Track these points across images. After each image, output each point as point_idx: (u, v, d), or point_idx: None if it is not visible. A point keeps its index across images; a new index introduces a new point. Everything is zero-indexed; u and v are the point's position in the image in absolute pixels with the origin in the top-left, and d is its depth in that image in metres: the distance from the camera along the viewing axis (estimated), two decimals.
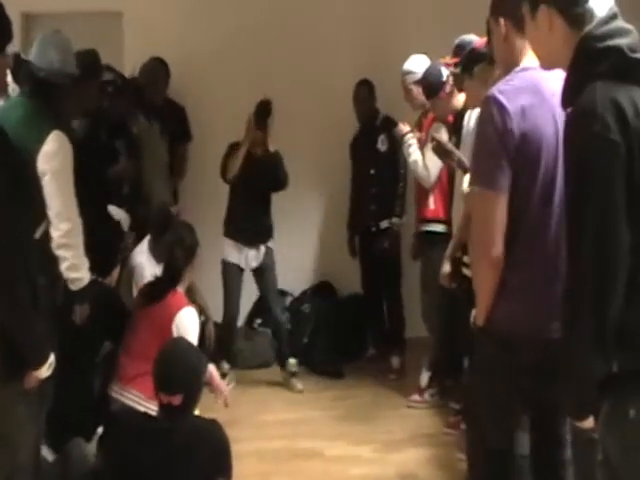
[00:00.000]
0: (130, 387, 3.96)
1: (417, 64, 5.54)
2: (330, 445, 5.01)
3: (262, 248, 5.94)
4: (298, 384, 5.98)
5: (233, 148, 5.80)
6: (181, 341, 3.63)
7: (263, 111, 5.73)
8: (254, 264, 5.95)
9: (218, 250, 5.85)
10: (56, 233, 3.65)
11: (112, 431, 3.52)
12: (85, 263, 3.89)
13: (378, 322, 6.53)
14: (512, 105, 2.67)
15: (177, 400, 3.18)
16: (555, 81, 2.56)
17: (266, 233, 5.97)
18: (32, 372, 2.85)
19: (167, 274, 4.28)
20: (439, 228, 5.31)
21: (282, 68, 6.64)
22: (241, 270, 5.95)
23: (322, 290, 6.80)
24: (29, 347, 2.81)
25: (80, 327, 3.92)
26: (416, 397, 5.62)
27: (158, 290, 4.20)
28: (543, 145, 2.69)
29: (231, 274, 5.92)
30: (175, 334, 3.93)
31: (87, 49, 4.59)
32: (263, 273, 5.99)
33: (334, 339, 6.43)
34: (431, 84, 5.14)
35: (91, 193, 4.56)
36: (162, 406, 3.25)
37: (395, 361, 6.28)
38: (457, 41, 4.66)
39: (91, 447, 3.91)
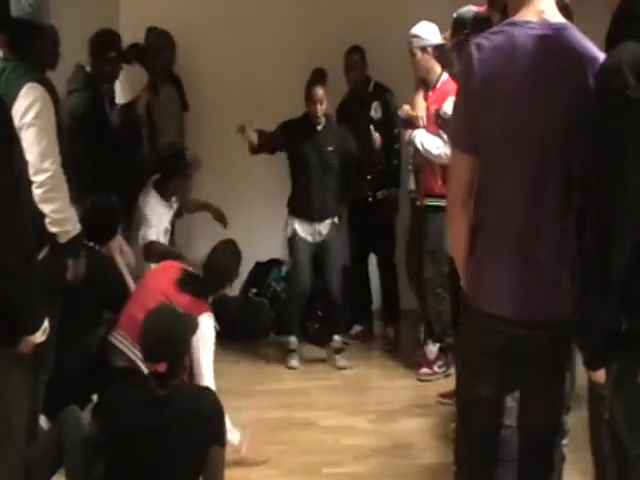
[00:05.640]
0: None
1: (424, 30, 5.39)
2: (325, 415, 5.03)
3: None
4: (342, 361, 5.89)
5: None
6: (163, 310, 3.63)
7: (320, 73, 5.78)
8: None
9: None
10: (34, 186, 3.51)
11: (107, 399, 3.51)
12: (71, 216, 3.75)
13: (362, 295, 6.49)
14: (482, 62, 2.66)
15: (162, 367, 3.22)
16: (539, 45, 2.60)
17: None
18: (26, 337, 2.84)
19: (208, 288, 4.35)
20: (443, 202, 5.27)
21: (277, 36, 6.55)
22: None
23: None
24: (23, 312, 2.80)
25: (77, 293, 3.90)
26: (426, 370, 5.62)
27: (197, 289, 4.26)
28: (504, 110, 2.66)
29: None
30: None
31: None
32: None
33: (329, 309, 6.43)
34: None
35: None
36: (150, 373, 3.31)
37: (390, 332, 6.28)
38: (455, 15, 4.58)
39: (85, 415, 3.91)
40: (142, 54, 5.80)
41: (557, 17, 2.69)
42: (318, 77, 5.77)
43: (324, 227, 5.87)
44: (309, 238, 5.86)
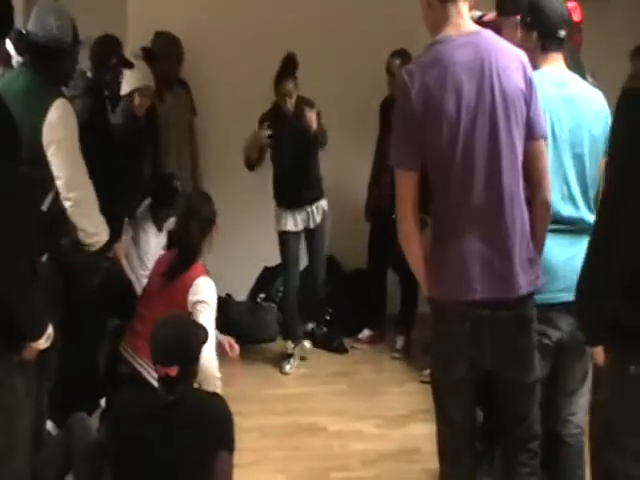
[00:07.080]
0: (142, 355, 3.91)
1: None
2: (333, 420, 5.02)
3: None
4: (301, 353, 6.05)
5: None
6: (176, 314, 3.62)
7: (291, 63, 5.66)
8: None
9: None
10: (67, 203, 3.66)
11: (115, 405, 3.52)
12: (103, 228, 3.91)
13: (378, 300, 6.47)
14: (416, 84, 2.83)
15: (173, 371, 3.19)
16: (462, 52, 2.82)
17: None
18: (30, 343, 2.84)
19: (183, 253, 4.05)
20: None
21: (285, 40, 6.53)
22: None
23: (327, 265, 6.74)
24: (27, 318, 2.80)
25: (82, 300, 3.91)
26: (429, 372, 5.59)
27: (176, 271, 4.01)
28: (444, 120, 2.81)
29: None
30: (190, 300, 3.88)
31: None
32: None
33: (338, 314, 6.43)
34: None
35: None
36: (160, 378, 3.26)
37: (400, 340, 6.23)
38: None
39: (94, 421, 3.92)
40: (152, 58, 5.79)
41: (472, 27, 2.93)
42: (288, 69, 5.66)
43: (317, 211, 5.87)
44: (301, 227, 5.86)
